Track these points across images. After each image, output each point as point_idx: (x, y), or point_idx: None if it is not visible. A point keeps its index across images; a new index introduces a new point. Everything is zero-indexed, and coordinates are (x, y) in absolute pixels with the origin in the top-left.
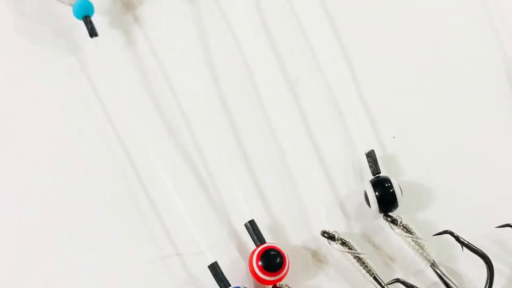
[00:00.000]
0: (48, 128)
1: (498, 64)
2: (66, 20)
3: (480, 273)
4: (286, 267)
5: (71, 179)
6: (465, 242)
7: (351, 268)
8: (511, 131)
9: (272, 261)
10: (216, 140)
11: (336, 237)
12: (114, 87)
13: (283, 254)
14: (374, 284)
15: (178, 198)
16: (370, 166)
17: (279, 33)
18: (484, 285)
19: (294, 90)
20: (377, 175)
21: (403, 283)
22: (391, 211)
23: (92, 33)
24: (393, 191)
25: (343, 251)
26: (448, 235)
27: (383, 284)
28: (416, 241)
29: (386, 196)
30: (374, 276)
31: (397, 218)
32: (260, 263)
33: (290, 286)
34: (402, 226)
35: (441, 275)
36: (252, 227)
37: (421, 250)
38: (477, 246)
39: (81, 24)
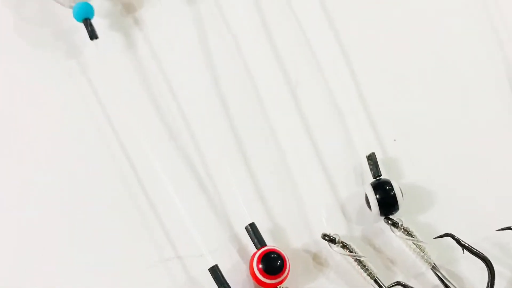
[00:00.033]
0: (48, 131)
1: (499, 65)
2: (66, 23)
3: (481, 276)
4: (287, 270)
5: (71, 182)
6: (466, 245)
7: (352, 271)
8: None
9: (272, 264)
10: (216, 143)
11: (336, 240)
12: (114, 89)
13: (284, 257)
14: (374, 287)
15: (179, 200)
16: (370, 169)
17: (279, 35)
18: None
19: (294, 92)
20: (378, 178)
21: (404, 286)
22: (392, 214)
23: (92, 35)
24: (394, 194)
25: (344, 254)
26: (449, 238)
27: (384, 287)
28: (417, 244)
29: (387, 199)
30: (375, 279)
31: (398, 221)
32: (260, 266)
33: None
34: (403, 229)
35: (442, 278)
36: (253, 230)
37: (422, 253)
38: (478, 249)
39: (81, 26)
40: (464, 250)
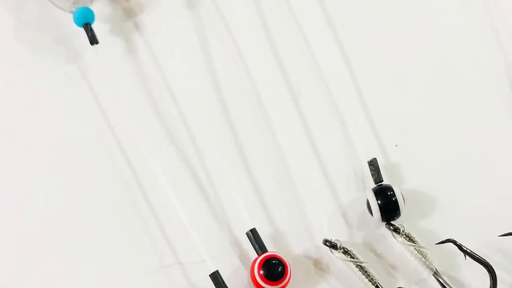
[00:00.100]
0: (49, 135)
1: (500, 69)
2: (66, 28)
3: (483, 282)
4: (288, 276)
5: (72, 186)
6: (468, 250)
7: (353, 277)
8: None
9: (273, 270)
10: (217, 148)
11: (338, 245)
12: (114, 94)
13: (285, 263)
14: None
15: (179, 206)
16: (372, 175)
17: (280, 39)
18: None
19: (296, 97)
20: (379, 184)
21: None
22: (393, 219)
23: (93, 40)
24: (396, 199)
25: (345, 260)
26: (451, 244)
27: None
28: (419, 250)
29: (388, 205)
30: (377, 285)
31: (399, 226)
32: (261, 272)
33: None
34: (405, 234)
35: (444, 284)
36: (254, 236)
37: (423, 259)
38: (480, 255)
39: (82, 31)
40: (466, 256)
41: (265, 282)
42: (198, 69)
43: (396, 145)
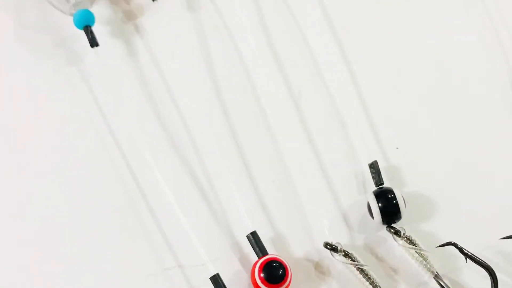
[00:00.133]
0: (49, 138)
1: (502, 74)
2: (66, 30)
3: (484, 285)
4: (289, 279)
5: (72, 190)
6: (469, 253)
7: (354, 280)
8: None
9: (274, 273)
10: (218, 151)
11: (339, 248)
12: (115, 97)
13: (286, 265)
14: None
15: (180, 209)
16: (373, 177)
17: (281, 43)
18: None
19: (297, 101)
20: (380, 186)
21: None
22: (394, 222)
23: (93, 43)
24: (396, 202)
25: (346, 263)
26: (451, 247)
27: None
28: (420, 253)
29: (389, 208)
30: None
31: (400, 229)
32: (262, 275)
33: None
34: (406, 237)
35: (445, 287)
36: (254, 239)
37: (424, 262)
38: (481, 258)
39: (82, 34)
40: (467, 258)
41: (265, 285)
42: (199, 72)
43: (397, 148)
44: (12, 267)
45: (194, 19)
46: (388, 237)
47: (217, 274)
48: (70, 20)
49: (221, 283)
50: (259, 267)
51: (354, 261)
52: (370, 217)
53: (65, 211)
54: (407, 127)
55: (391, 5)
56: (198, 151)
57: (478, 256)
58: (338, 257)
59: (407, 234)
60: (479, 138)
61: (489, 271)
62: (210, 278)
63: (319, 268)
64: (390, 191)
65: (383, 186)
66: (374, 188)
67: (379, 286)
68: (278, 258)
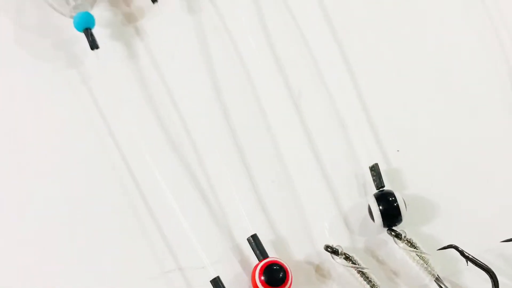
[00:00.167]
0: (49, 140)
1: (502, 75)
2: (66, 33)
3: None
4: (289, 282)
5: (72, 192)
6: (470, 256)
7: (354, 283)
8: None
9: (274, 275)
10: (218, 153)
11: (339, 251)
12: (115, 99)
13: (286, 268)
14: None
15: (180, 212)
16: (374, 180)
17: (282, 45)
18: None
19: (297, 103)
20: (381, 189)
21: None
22: (395, 225)
23: (93, 45)
24: (397, 205)
25: (347, 266)
26: (452, 250)
27: None
28: (421, 256)
29: (390, 210)
30: None
31: (401, 232)
32: (262, 277)
33: None
34: (406, 240)
35: None
36: (255, 242)
37: (425, 265)
38: (482, 261)
39: (82, 36)
40: (468, 261)
41: None
42: (199, 74)
43: (398, 151)
44: (12, 269)
45: (194, 21)
46: (389, 240)
47: (218, 277)
48: (70, 22)
49: (221, 286)
50: (260, 270)
51: (354, 264)
52: (371, 220)
53: (65, 213)
54: (408, 129)
55: (391, 5)
56: (198, 153)
57: (479, 259)
58: (339, 260)
59: (408, 237)
60: (479, 140)
61: (490, 274)
62: (211, 281)
63: (319, 271)
64: (390, 194)
65: (383, 188)
66: (374, 190)
67: None
68: (278, 261)
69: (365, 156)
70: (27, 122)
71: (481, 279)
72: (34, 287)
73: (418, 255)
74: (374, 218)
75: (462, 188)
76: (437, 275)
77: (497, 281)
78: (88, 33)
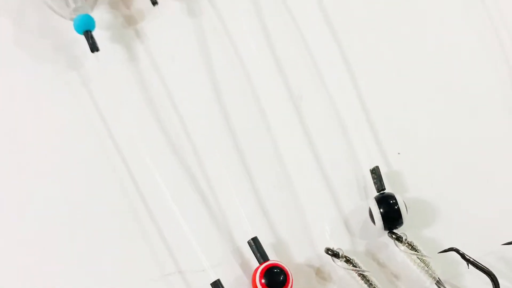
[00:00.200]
0: (49, 143)
1: (503, 79)
2: (66, 35)
3: None
4: (290, 285)
5: (71, 194)
6: (471, 259)
7: (355, 286)
8: None
9: (275, 278)
10: (218, 156)
11: (340, 254)
12: (115, 102)
13: (287, 271)
14: None
15: (180, 214)
16: (374, 183)
17: (282, 47)
18: None
19: (298, 105)
20: (381, 192)
21: None
22: (396, 228)
23: (93, 48)
24: (398, 208)
25: (348, 269)
26: (453, 253)
27: None
28: (421, 259)
29: (391, 213)
30: None
31: (402, 235)
32: (263, 280)
33: None
34: (407, 243)
35: None
36: (255, 244)
37: (426, 268)
38: (483, 264)
39: (82, 38)
40: (469, 264)
41: None
42: (199, 76)
43: (399, 153)
44: (12, 271)
45: (194, 23)
46: (389, 243)
47: (218, 280)
48: (70, 24)
49: None
50: (260, 273)
51: (355, 267)
52: (372, 223)
53: (65, 216)
54: (409, 132)
55: (391, 5)
56: (198, 156)
57: (480, 262)
58: (340, 263)
59: (409, 240)
60: (480, 143)
61: (491, 277)
62: (211, 284)
63: (320, 274)
64: (391, 197)
65: (384, 191)
66: (375, 193)
67: None
68: (279, 264)
69: (366, 159)
70: (27, 124)
71: (482, 282)
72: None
73: (419, 258)
74: (375, 221)
75: (463, 191)
76: (438, 278)
77: (498, 284)
78: (88, 35)
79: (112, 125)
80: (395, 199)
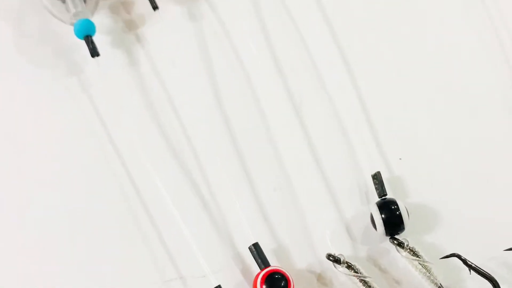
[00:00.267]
0: (49, 148)
1: (506, 84)
2: (67, 40)
3: None
4: None
5: (72, 200)
6: (473, 265)
7: None
8: None
9: (276, 284)
10: (219, 160)
11: (341, 260)
12: (115, 107)
13: (288, 277)
14: None
15: (181, 220)
16: (376, 188)
17: (283, 53)
18: None
19: (298, 109)
20: (383, 197)
21: None
22: (397, 233)
23: (94, 53)
24: (400, 213)
25: (349, 275)
26: (455, 258)
27: None
28: (423, 264)
29: (392, 219)
30: None
31: (403, 241)
32: (264, 286)
33: None
34: (409, 249)
35: None
36: (256, 250)
37: (428, 274)
38: (484, 270)
39: (83, 43)
40: (471, 270)
41: None
42: (200, 81)
43: (400, 159)
44: (12, 277)
45: (194, 28)
46: (391, 249)
47: (219, 286)
48: (70, 29)
49: None
50: (261, 278)
51: (357, 272)
52: (373, 228)
53: (65, 221)
54: (411, 137)
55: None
56: (199, 161)
57: (482, 268)
58: (341, 268)
59: (411, 245)
60: (483, 149)
61: (493, 283)
62: None
63: (321, 280)
64: (393, 202)
65: (386, 197)
66: (377, 199)
67: None
68: (280, 270)
69: (367, 164)
70: (27, 129)
71: None
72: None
73: (420, 264)
74: (377, 227)
75: (465, 197)
76: (440, 284)
77: None
78: (88, 40)
79: (112, 130)
80: (397, 205)
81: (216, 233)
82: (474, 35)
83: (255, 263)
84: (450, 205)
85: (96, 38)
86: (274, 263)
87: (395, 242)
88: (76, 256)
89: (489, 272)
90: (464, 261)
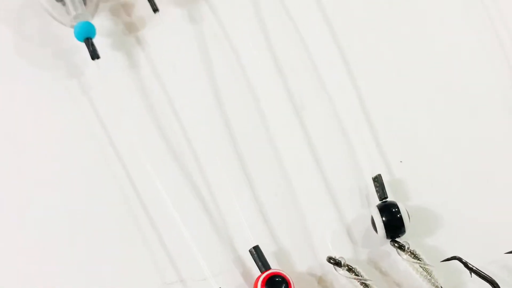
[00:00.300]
0: (49, 150)
1: (506, 86)
2: (67, 42)
3: None
4: None
5: (72, 202)
6: (474, 268)
7: None
8: None
9: (277, 287)
10: (220, 164)
11: (342, 263)
12: (116, 109)
13: (288, 280)
14: None
15: (182, 223)
16: (377, 191)
17: (284, 55)
18: None
19: (299, 112)
20: (384, 200)
21: None
22: (398, 236)
23: (94, 55)
24: (400, 216)
25: (350, 278)
26: (456, 261)
27: None
28: (424, 267)
29: (393, 222)
30: None
31: (404, 243)
32: None
33: None
34: (410, 252)
35: None
36: (257, 253)
37: (429, 277)
38: (485, 272)
39: (83, 46)
40: (472, 273)
41: None
42: (200, 83)
43: (401, 162)
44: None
45: (195, 30)
46: (392, 252)
47: None
48: (70, 32)
49: None
50: (262, 282)
51: (357, 275)
52: (374, 231)
53: (65, 224)
54: (412, 140)
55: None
56: (199, 163)
57: (483, 271)
58: (342, 271)
59: (411, 248)
60: (484, 152)
61: (494, 286)
62: None
63: (322, 283)
64: (394, 205)
65: (387, 200)
66: (377, 202)
67: None
68: (281, 273)
69: (368, 167)
70: (27, 131)
71: None
72: None
73: (421, 267)
74: (377, 230)
75: (466, 199)
76: (441, 286)
77: None
78: (88, 42)
79: (112, 132)
80: (398, 208)
81: (216, 236)
82: (474, 35)
83: (256, 266)
84: (451, 207)
85: (96, 41)
86: (275, 266)
87: (396, 245)
88: (76, 259)
89: (490, 275)
90: (465, 264)
